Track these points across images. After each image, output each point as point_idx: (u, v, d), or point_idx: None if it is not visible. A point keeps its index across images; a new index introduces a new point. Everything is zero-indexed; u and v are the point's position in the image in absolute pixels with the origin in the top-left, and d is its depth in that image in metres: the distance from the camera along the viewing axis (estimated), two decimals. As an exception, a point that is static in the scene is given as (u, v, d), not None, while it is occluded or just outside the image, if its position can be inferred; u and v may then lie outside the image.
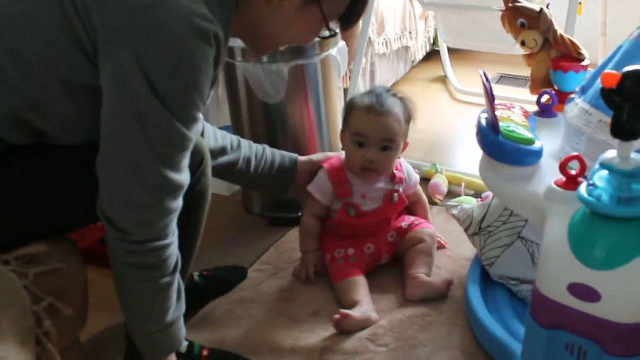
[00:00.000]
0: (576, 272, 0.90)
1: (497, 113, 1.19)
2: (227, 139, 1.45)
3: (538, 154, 1.15)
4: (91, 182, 0.99)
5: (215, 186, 1.27)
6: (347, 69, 2.13)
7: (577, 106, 1.15)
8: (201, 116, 1.09)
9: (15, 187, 1.01)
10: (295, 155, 1.56)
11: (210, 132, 1.40)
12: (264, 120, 1.72)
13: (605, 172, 0.89)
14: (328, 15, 1.10)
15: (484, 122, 1.18)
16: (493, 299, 1.36)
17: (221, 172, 1.41)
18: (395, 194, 1.54)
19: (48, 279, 1.00)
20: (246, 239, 1.74)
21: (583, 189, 0.91)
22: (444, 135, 2.37)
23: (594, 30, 2.54)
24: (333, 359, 1.28)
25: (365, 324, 1.35)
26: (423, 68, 3.04)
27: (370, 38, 2.40)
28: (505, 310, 1.32)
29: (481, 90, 1.19)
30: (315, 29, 1.13)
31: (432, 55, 3.03)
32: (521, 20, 1.50)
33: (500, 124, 1.15)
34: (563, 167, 0.99)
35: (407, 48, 2.79)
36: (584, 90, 1.17)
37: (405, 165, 1.60)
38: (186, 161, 1.02)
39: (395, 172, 1.54)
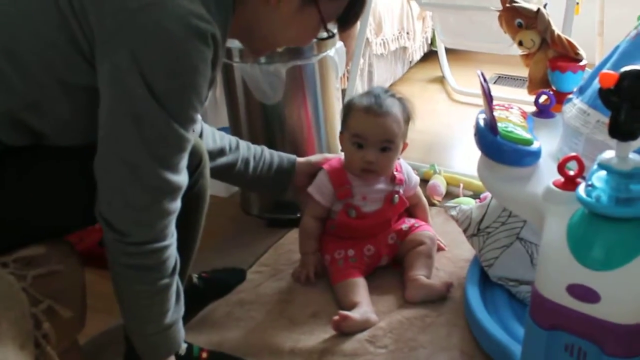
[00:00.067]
0: (575, 273, 0.90)
1: (495, 113, 1.19)
2: (226, 139, 1.44)
3: (536, 154, 1.15)
4: (89, 183, 0.99)
5: (214, 187, 1.27)
6: (345, 70, 2.12)
7: (574, 106, 1.15)
8: (199, 117, 1.08)
9: (13, 189, 1.01)
10: (293, 157, 1.56)
11: (209, 133, 1.40)
12: (261, 121, 1.72)
13: (603, 173, 0.89)
14: (326, 16, 1.10)
15: (481, 123, 1.18)
16: (492, 300, 1.36)
17: (219, 173, 1.40)
18: (396, 195, 1.53)
19: (46, 281, 0.99)
20: (245, 241, 1.74)
21: (581, 189, 0.91)
22: (441, 135, 2.37)
23: (592, 30, 2.54)
24: (332, 360, 1.28)
25: (364, 326, 1.35)
26: (420, 68, 3.04)
27: (367, 38, 2.39)
28: (504, 311, 1.32)
29: (479, 91, 1.18)
30: (312, 30, 1.13)
31: (430, 55, 3.03)
32: (518, 20, 1.50)
33: (498, 124, 1.15)
34: (561, 168, 0.99)
35: (404, 48, 2.79)
36: (581, 91, 1.17)
37: (405, 167, 1.59)
38: (184, 162, 1.02)
39: (395, 173, 1.54)
